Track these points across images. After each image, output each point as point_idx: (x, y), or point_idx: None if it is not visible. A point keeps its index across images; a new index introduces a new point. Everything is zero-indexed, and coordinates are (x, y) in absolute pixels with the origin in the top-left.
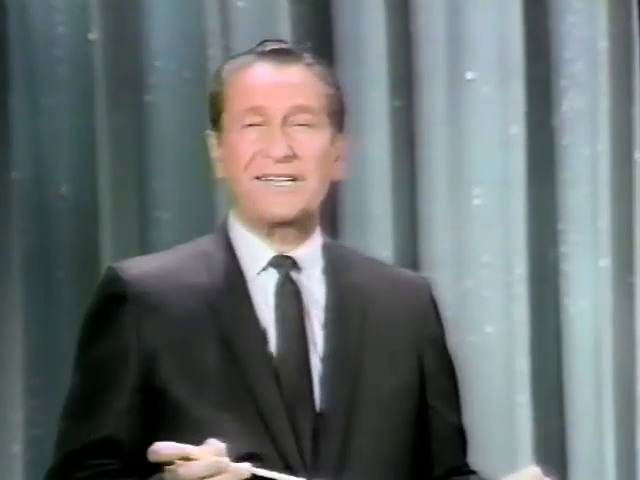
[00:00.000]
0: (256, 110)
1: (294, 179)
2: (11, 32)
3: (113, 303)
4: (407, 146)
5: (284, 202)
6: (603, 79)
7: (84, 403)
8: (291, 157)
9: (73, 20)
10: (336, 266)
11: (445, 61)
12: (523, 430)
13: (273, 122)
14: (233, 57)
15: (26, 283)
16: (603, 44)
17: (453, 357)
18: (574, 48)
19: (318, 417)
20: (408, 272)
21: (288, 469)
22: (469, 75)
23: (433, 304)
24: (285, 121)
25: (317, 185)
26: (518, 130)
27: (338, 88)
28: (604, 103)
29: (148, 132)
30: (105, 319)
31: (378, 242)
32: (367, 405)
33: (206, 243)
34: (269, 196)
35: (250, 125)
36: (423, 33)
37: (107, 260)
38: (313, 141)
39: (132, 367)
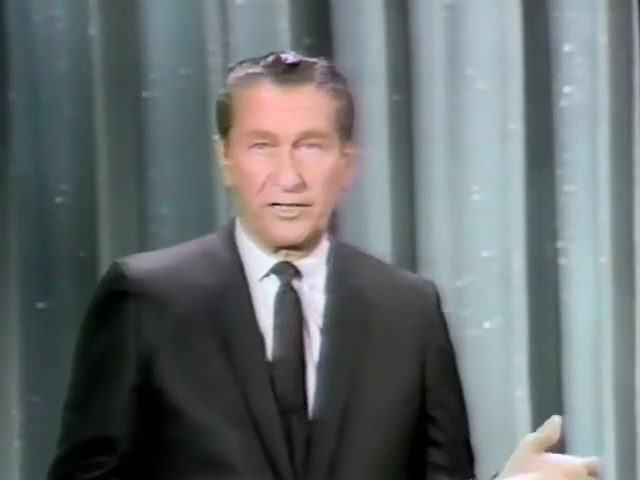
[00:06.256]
0: (264, 134)
1: (303, 205)
2: (10, 27)
3: (115, 300)
4: (406, 141)
5: (292, 227)
6: (603, 74)
7: (83, 398)
8: (300, 186)
9: (72, 15)
10: (340, 272)
11: (444, 56)
12: (522, 426)
13: (282, 148)
14: (242, 62)
15: (25, 279)
16: (602, 38)
17: (459, 368)
18: (573, 43)
19: (311, 426)
20: (415, 276)
21: (278, 477)
22: (468, 71)
23: (439, 311)
24: (294, 145)
25: (325, 207)
26: (517, 126)
27: (348, 96)
28: (603, 98)
29: (147, 127)
30: (106, 315)
31: (376, 238)
32: (363, 415)
33: (213, 243)
34: (278, 222)
35: (258, 145)
36: (422, 28)
37: (106, 256)
38: (322, 164)
39: (131, 366)
